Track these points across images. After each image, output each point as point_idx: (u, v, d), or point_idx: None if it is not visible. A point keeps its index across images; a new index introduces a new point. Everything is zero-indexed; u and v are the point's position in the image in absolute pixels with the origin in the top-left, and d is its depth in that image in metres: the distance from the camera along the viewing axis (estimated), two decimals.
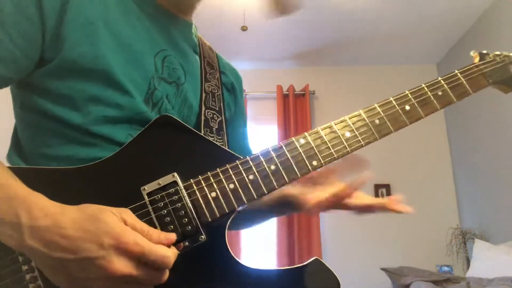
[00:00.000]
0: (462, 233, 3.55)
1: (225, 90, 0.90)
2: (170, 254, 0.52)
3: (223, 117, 0.83)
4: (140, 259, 0.50)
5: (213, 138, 0.78)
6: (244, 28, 3.34)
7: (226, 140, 0.82)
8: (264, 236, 3.89)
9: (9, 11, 0.61)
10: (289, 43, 3.93)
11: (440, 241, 3.60)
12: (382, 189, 3.92)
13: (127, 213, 0.54)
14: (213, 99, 0.83)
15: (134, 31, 0.72)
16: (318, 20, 3.55)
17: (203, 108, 0.80)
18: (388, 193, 3.91)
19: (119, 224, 0.51)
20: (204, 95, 0.81)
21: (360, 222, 3.86)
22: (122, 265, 0.49)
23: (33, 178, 0.57)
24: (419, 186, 3.91)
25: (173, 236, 0.55)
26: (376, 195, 3.90)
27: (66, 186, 0.60)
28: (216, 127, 0.80)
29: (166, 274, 0.53)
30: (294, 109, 4.11)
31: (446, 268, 3.35)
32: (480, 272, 2.69)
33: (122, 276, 0.49)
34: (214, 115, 0.81)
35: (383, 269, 2.89)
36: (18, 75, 0.64)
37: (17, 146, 0.71)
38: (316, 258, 0.62)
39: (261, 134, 4.20)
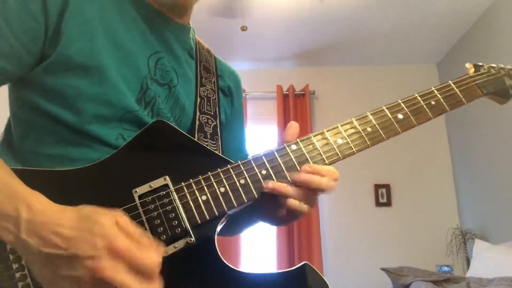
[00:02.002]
0: (462, 233, 3.54)
1: (221, 94, 0.90)
2: (157, 267, 0.52)
3: (218, 122, 0.83)
4: (129, 265, 0.50)
5: (206, 143, 0.78)
6: (244, 28, 3.35)
7: (220, 144, 0.82)
8: (263, 236, 3.89)
9: (14, 8, 0.63)
10: (289, 43, 3.93)
11: (440, 241, 3.60)
12: (382, 189, 3.92)
13: (120, 216, 0.54)
14: (208, 104, 0.83)
15: (129, 32, 0.73)
16: (318, 20, 3.55)
17: (198, 113, 0.80)
18: (388, 193, 3.91)
19: (114, 227, 0.51)
20: (199, 100, 0.82)
21: (360, 222, 3.86)
22: (109, 267, 0.49)
23: (26, 179, 0.57)
24: (419, 186, 3.90)
25: (161, 249, 0.55)
26: (376, 195, 3.91)
27: (59, 188, 0.61)
28: (210, 132, 0.81)
29: (152, 285, 0.52)
30: (294, 109, 4.11)
31: (446, 268, 3.34)
32: (480, 272, 2.68)
33: (107, 278, 0.49)
34: (209, 120, 0.82)
35: (383, 269, 2.88)
36: (21, 71, 0.65)
37: (8, 141, 0.72)
38: (305, 263, 0.62)
39: (261, 134, 4.20)
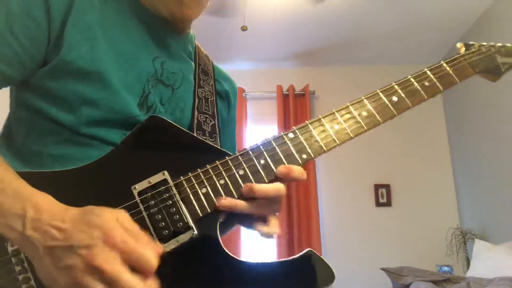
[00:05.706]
0: (462, 233, 3.54)
1: (218, 97, 0.91)
2: (154, 259, 0.51)
3: (216, 121, 0.84)
4: (123, 257, 0.50)
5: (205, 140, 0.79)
6: (244, 28, 3.35)
7: (219, 142, 0.83)
8: (263, 238, 3.87)
9: (17, 14, 0.63)
10: (289, 43, 3.93)
11: (440, 241, 3.60)
12: (382, 189, 3.92)
13: (122, 214, 0.54)
14: (206, 104, 0.84)
15: (130, 38, 0.74)
16: (318, 20, 3.55)
17: (196, 113, 0.81)
18: (388, 193, 3.91)
19: (113, 220, 0.52)
20: (197, 100, 0.83)
21: (360, 222, 3.86)
22: (102, 256, 0.49)
23: (27, 181, 0.57)
24: (419, 186, 3.90)
25: (160, 249, 0.54)
26: (376, 195, 3.91)
27: (57, 189, 0.60)
28: (209, 130, 0.81)
29: (147, 283, 0.51)
30: (294, 109, 4.11)
31: (446, 268, 3.34)
32: (480, 272, 2.68)
33: (98, 266, 0.48)
34: (207, 119, 0.82)
35: (383, 269, 2.88)
36: (22, 76, 0.66)
37: (8, 140, 0.72)
38: (309, 250, 0.62)
39: (261, 134, 4.20)
